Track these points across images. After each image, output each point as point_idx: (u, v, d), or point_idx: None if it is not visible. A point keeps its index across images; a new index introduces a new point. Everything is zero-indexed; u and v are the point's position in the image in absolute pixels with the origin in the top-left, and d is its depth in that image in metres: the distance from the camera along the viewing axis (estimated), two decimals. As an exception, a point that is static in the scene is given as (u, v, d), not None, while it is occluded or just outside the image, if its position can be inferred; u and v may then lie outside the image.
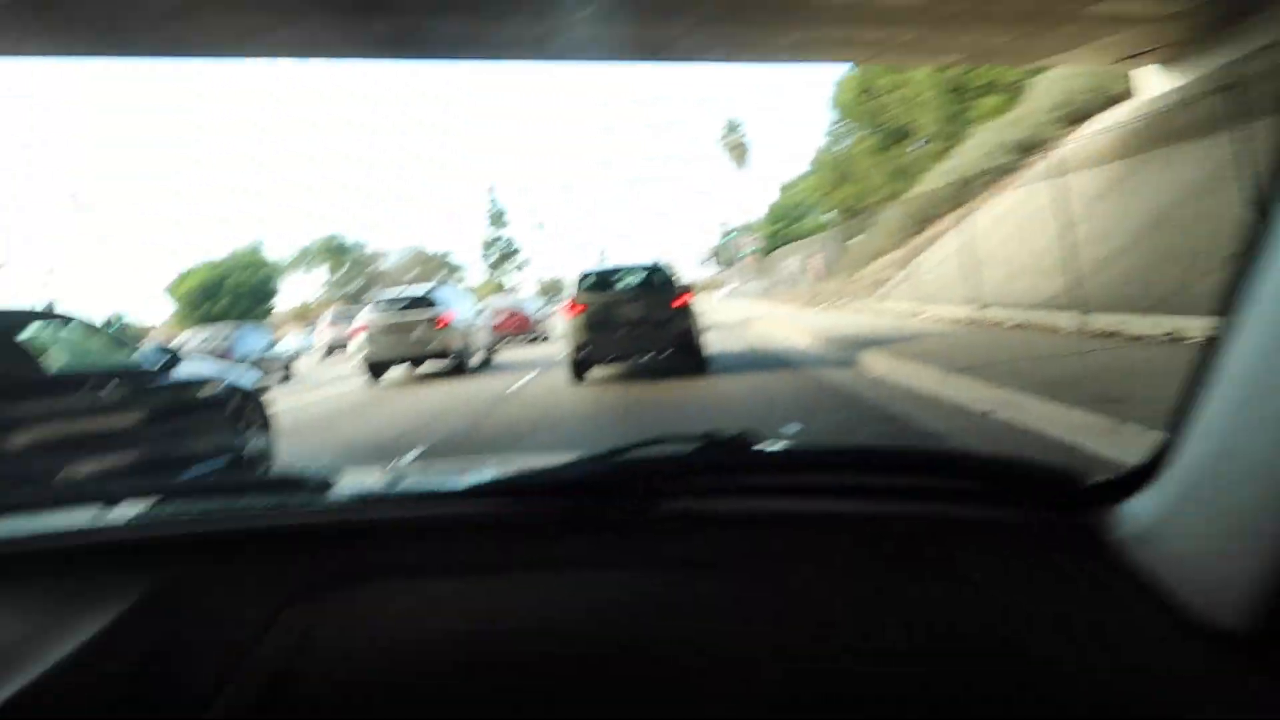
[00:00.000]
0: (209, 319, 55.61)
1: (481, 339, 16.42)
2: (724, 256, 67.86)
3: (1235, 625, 0.63)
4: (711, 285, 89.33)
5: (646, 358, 10.91)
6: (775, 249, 43.67)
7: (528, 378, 12.68)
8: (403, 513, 0.97)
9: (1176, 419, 0.71)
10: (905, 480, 0.92)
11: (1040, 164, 16.57)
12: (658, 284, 11.13)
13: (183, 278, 62.97)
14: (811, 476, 0.95)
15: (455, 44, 10.73)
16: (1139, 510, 0.75)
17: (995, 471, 0.91)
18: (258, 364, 17.74)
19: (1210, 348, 0.67)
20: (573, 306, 10.82)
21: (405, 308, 14.67)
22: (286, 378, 20.11)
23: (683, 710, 0.77)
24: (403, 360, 14.74)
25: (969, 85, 28.85)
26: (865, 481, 0.93)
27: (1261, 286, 0.62)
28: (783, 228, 60.34)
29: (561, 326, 11.80)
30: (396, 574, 0.88)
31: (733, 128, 70.59)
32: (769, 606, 0.79)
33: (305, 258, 74.15)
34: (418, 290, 15.97)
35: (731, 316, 24.90)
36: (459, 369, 14.78)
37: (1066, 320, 9.27)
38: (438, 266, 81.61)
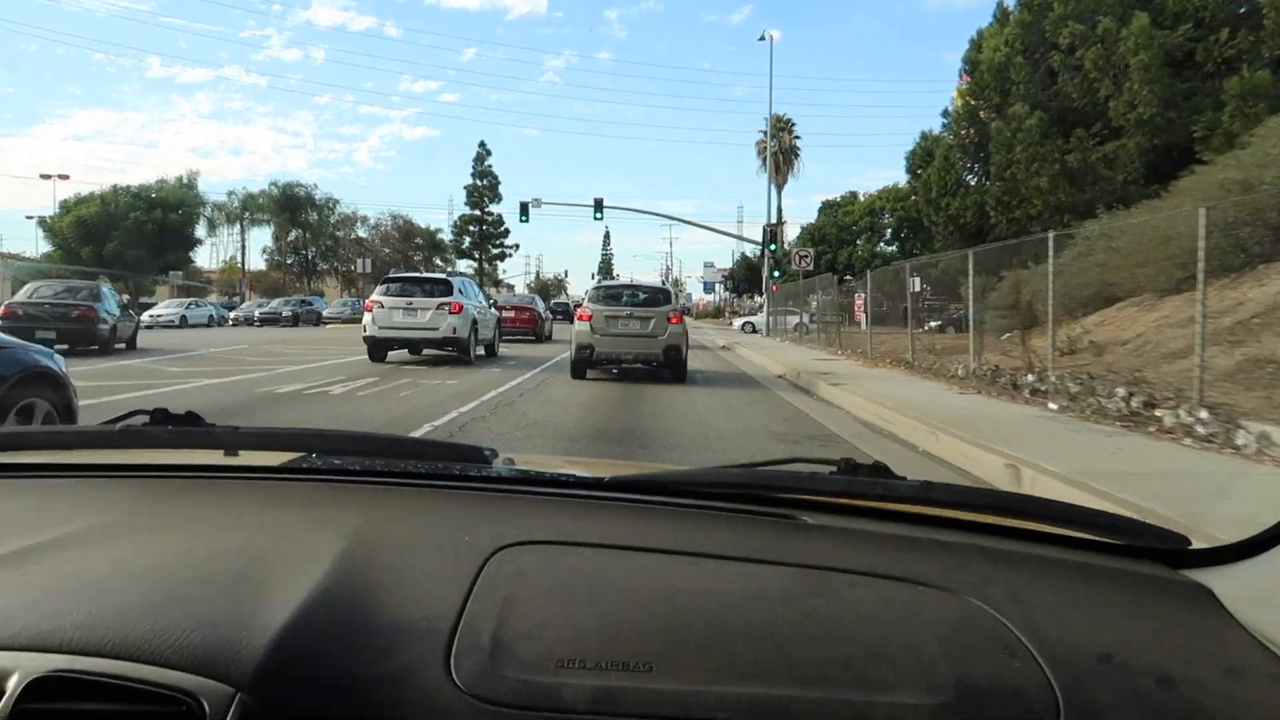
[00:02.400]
0: (91, 264, 44.61)
1: (487, 332, 16.76)
2: (741, 279, 57.16)
3: None
4: (717, 314, 77.24)
5: (638, 365, 12.48)
6: (816, 277, 32.97)
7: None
8: (562, 492, 1.12)
9: None
10: (1029, 523, 1.02)
11: None
12: (660, 302, 12.65)
13: (68, 207, 49.09)
14: (945, 511, 1.05)
15: None
16: (1250, 574, 0.90)
17: (1112, 524, 1.00)
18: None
19: None
20: (581, 315, 12.63)
21: (419, 290, 15.17)
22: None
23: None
24: (409, 344, 15.24)
25: (1205, 58, 18.62)
26: (993, 521, 1.03)
27: None
28: (822, 254, 49.83)
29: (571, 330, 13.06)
30: (559, 541, 0.97)
31: (781, 126, 60.12)
32: (899, 621, 0.85)
33: (249, 206, 60.22)
34: (436, 275, 17.78)
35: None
36: (462, 359, 15.20)
37: None
38: (425, 245, 70.46)
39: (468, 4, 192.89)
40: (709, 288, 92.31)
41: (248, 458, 1.23)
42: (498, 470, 1.17)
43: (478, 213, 72.31)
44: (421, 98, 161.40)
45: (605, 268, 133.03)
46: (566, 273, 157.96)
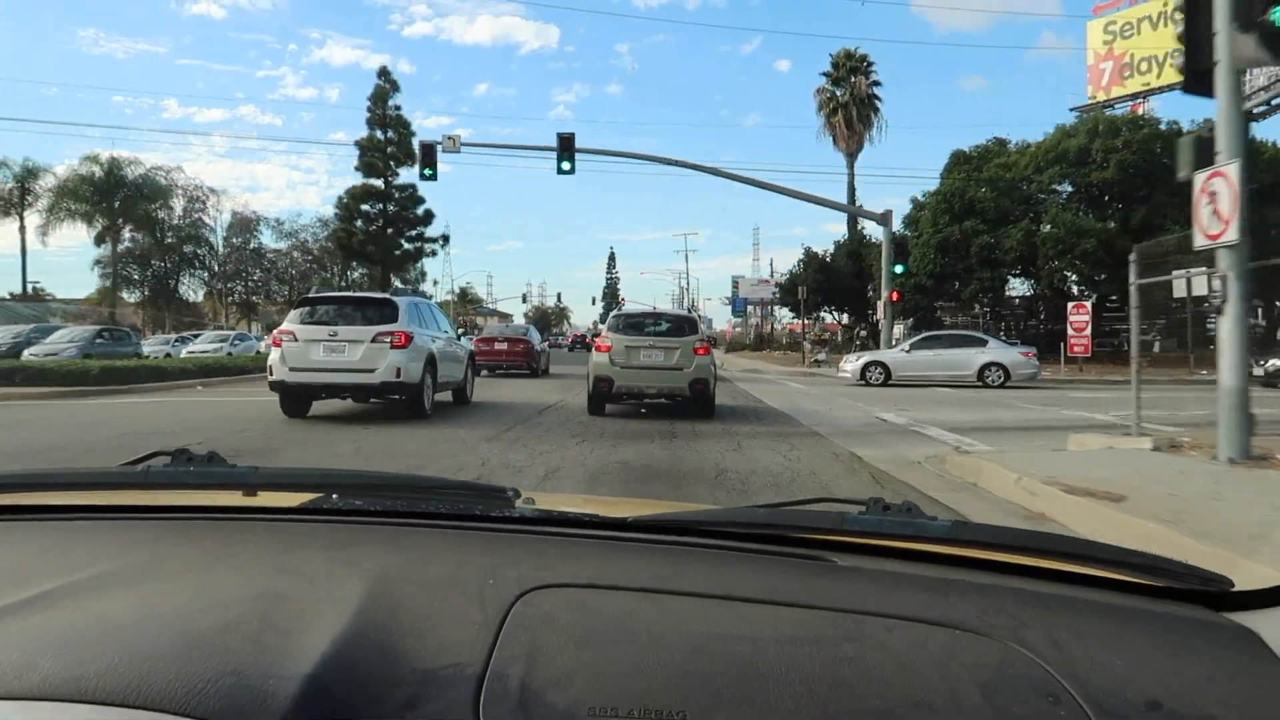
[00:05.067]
0: None
1: (454, 372, 12.73)
2: (815, 288, 38.27)
3: None
4: (758, 345, 52.64)
5: (663, 399, 11.79)
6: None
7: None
8: (586, 533, 1.09)
9: None
10: (1066, 564, 0.99)
11: None
12: (685, 332, 11.98)
13: None
14: (979, 552, 1.01)
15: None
16: None
17: (1153, 566, 0.98)
18: None
19: None
20: (600, 346, 11.79)
21: (352, 316, 10.95)
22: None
23: None
24: (334, 390, 10.95)
25: None
26: (1028, 562, 0.99)
27: None
28: (967, 235, 30.05)
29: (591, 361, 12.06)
30: (584, 584, 0.94)
31: (851, 67, 41.52)
32: (937, 667, 0.82)
33: (32, 185, 42.78)
34: (375, 294, 13.22)
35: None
36: (413, 410, 11.11)
37: None
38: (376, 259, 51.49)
39: (481, 39, 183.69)
40: (739, 308, 73.25)
41: (267, 498, 1.22)
42: (520, 510, 1.17)
43: (378, 183, 42.67)
44: (434, 131, 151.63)
45: (610, 292, 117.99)
46: (560, 296, 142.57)
